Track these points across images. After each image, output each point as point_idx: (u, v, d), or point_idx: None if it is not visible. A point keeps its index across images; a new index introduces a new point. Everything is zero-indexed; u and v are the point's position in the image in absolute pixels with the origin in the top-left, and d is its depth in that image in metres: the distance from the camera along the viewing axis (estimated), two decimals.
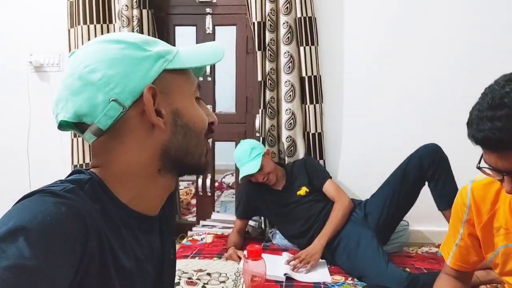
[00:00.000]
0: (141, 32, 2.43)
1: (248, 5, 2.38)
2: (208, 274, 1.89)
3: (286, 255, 2.05)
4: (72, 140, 2.54)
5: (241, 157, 2.19)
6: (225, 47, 0.73)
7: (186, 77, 0.70)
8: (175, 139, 0.67)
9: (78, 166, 2.54)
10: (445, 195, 1.93)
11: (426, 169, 1.96)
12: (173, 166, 0.69)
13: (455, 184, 1.93)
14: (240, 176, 2.21)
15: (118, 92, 0.63)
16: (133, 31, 2.42)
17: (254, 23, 2.37)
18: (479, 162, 0.95)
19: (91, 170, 0.68)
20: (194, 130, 0.69)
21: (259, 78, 2.40)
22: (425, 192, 2.02)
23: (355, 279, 1.86)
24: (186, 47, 0.72)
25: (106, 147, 0.66)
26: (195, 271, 1.92)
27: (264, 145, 2.39)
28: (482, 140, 0.88)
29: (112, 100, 0.63)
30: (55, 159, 2.68)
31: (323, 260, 2.01)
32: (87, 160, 2.53)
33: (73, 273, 0.54)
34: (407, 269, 1.93)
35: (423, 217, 2.25)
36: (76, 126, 0.67)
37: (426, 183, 2.01)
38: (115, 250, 0.62)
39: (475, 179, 1.13)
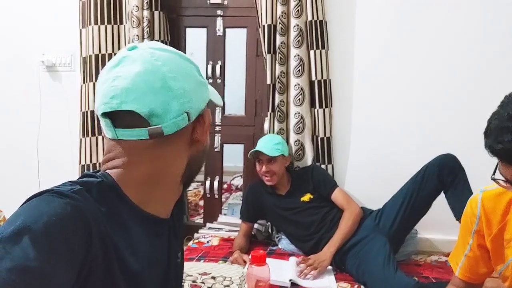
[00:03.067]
0: (152, 33, 2.44)
1: (257, 8, 2.36)
2: (213, 277, 1.88)
3: (293, 260, 2.03)
4: (81, 140, 2.55)
5: (266, 140, 2.23)
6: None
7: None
8: (199, 156, 0.75)
9: (86, 166, 2.54)
10: (463, 204, 1.88)
11: (445, 177, 1.93)
12: (187, 177, 0.76)
13: (472, 193, 1.89)
14: (253, 149, 2.20)
15: (190, 107, 0.68)
16: (143, 32, 2.42)
17: (264, 26, 2.36)
18: (494, 173, 0.92)
19: (106, 171, 0.68)
20: (207, 152, 0.79)
21: (269, 81, 2.39)
22: (436, 200, 1.99)
23: (361, 287, 1.83)
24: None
25: (145, 150, 0.67)
26: (200, 274, 1.91)
27: None
28: (500, 152, 0.85)
29: (186, 112, 0.67)
30: (64, 158, 2.69)
31: (330, 267, 1.99)
32: (94, 161, 2.53)
33: (76, 274, 0.55)
34: (415, 278, 1.90)
35: (433, 225, 2.21)
36: (112, 118, 0.66)
37: (442, 192, 1.97)
38: (121, 251, 0.62)
39: (485, 188, 1.10)
